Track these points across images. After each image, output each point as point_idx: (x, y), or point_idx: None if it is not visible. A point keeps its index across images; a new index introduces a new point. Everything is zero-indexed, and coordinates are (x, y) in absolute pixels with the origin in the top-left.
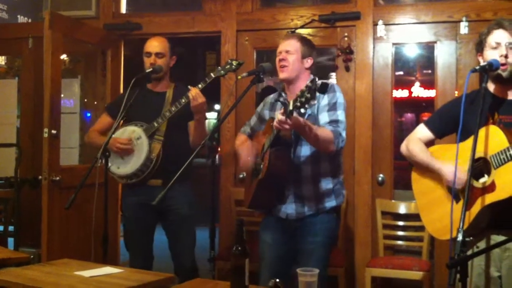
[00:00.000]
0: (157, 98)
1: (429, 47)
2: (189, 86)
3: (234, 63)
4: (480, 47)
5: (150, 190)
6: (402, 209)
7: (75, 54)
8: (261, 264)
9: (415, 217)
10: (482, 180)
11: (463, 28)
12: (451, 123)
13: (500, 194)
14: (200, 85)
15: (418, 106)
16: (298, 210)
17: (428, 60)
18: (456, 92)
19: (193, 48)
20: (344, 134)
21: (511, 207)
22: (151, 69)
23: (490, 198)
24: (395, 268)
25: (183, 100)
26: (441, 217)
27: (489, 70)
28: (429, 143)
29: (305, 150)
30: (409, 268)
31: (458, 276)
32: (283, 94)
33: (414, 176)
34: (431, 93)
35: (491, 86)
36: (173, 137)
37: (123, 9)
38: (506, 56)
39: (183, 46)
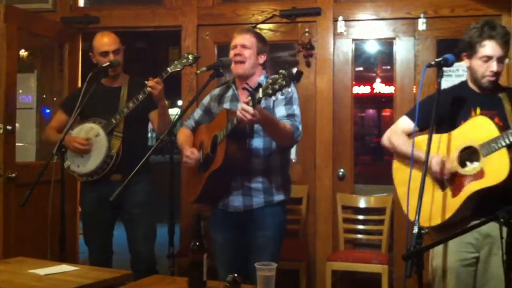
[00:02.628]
0: (112, 94)
1: (389, 44)
2: (146, 82)
3: (191, 57)
4: (469, 50)
5: (110, 185)
6: (362, 203)
7: (32, 48)
8: (217, 263)
9: (375, 211)
10: (471, 167)
11: (421, 24)
12: (434, 115)
13: (488, 181)
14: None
15: (379, 102)
16: (246, 202)
17: (388, 56)
18: (415, 88)
19: (156, 43)
20: (300, 128)
21: (496, 195)
22: (108, 63)
23: (478, 185)
24: (355, 261)
25: (141, 96)
26: (423, 204)
27: (444, 66)
28: (410, 135)
29: (258, 143)
30: (369, 261)
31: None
32: (234, 87)
33: (396, 166)
34: (391, 89)
35: (470, 84)
36: (131, 132)
37: (81, 2)
38: (496, 72)
39: (146, 41)
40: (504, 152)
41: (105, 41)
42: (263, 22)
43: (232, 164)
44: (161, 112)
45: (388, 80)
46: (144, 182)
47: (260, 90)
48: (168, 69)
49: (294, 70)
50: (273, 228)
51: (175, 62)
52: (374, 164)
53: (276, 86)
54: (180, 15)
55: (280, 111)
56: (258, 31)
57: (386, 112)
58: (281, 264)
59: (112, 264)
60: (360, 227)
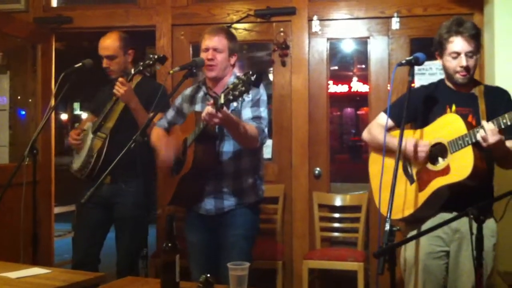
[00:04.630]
0: None
1: (364, 43)
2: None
3: (154, 57)
4: (440, 48)
5: (100, 187)
6: (338, 201)
7: (4, 49)
8: (190, 264)
9: (351, 209)
10: (438, 163)
11: (395, 23)
12: (410, 111)
13: (453, 177)
14: None
15: (357, 100)
16: (218, 205)
17: (364, 55)
18: (389, 86)
19: (133, 43)
20: (266, 130)
21: (463, 191)
22: (80, 64)
23: (443, 181)
24: (331, 259)
25: (114, 97)
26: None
27: (415, 64)
28: (388, 130)
29: (228, 146)
30: (345, 259)
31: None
32: (204, 88)
33: (371, 159)
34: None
35: (447, 81)
36: (119, 133)
37: (54, 2)
38: (466, 67)
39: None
40: (469, 149)
41: (102, 44)
42: (238, 21)
43: (201, 168)
44: (135, 114)
45: (365, 79)
46: (133, 191)
47: (222, 95)
48: (132, 70)
49: (253, 75)
50: (244, 227)
51: (140, 63)
52: (351, 162)
53: (236, 92)
54: (154, 14)
55: (247, 113)
56: (232, 30)
57: (363, 111)
58: (258, 263)
59: (97, 269)
60: (337, 225)
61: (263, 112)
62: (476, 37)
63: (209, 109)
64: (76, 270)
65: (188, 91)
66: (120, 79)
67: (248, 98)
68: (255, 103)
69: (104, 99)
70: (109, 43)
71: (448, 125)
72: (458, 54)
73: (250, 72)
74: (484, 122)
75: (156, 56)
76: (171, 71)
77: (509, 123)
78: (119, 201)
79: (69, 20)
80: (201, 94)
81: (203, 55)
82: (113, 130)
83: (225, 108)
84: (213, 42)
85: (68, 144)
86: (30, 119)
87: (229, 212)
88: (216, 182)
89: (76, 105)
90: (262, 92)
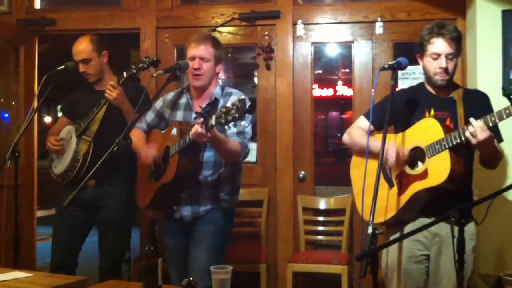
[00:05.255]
0: (96, 97)
1: (348, 47)
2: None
3: (147, 61)
4: (421, 50)
5: (85, 189)
6: (323, 204)
7: None
8: (169, 269)
9: (335, 212)
10: (417, 167)
11: (378, 28)
12: (389, 115)
13: (431, 181)
14: None
15: (342, 104)
16: (194, 211)
17: (348, 59)
18: (373, 90)
19: (117, 44)
20: (249, 145)
21: (442, 195)
22: (62, 66)
23: (421, 185)
24: (315, 262)
25: (102, 101)
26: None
27: (398, 69)
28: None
29: (209, 155)
30: (329, 262)
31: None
32: (188, 95)
33: (353, 163)
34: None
35: (427, 85)
36: (104, 136)
37: (37, 4)
38: (445, 69)
39: (107, 42)
40: (446, 154)
41: (76, 48)
42: (222, 25)
43: (182, 177)
44: (127, 117)
45: (350, 82)
46: (118, 193)
47: (214, 117)
48: (124, 73)
49: (248, 103)
50: (214, 225)
51: (132, 66)
52: (336, 165)
53: (229, 117)
54: (138, 17)
55: (231, 128)
56: (217, 34)
57: (348, 114)
58: (242, 267)
59: (75, 273)
60: (321, 228)
61: (247, 127)
62: (457, 40)
63: (198, 128)
64: (58, 274)
65: (170, 95)
66: (111, 82)
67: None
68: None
69: (85, 102)
70: (82, 48)
71: (426, 130)
72: (439, 55)
73: (245, 100)
74: (472, 119)
75: (149, 60)
76: (154, 74)
77: (497, 121)
78: (104, 203)
79: (52, 22)
80: (183, 100)
81: (189, 63)
82: (98, 134)
83: (214, 128)
84: (199, 51)
85: (48, 149)
86: (12, 121)
87: (204, 214)
88: (195, 189)
89: (60, 108)
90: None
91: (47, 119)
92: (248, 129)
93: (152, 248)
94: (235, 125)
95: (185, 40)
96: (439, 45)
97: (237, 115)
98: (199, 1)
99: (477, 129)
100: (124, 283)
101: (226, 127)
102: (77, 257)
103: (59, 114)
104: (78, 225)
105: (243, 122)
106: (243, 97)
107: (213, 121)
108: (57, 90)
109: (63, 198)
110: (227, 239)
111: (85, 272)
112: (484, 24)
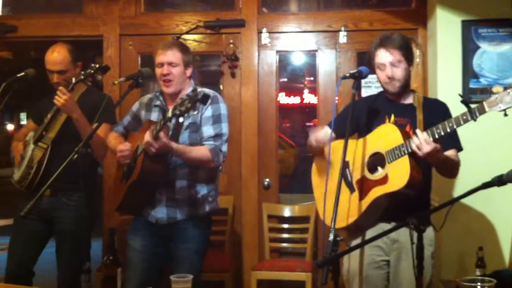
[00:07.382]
0: None
1: (312, 55)
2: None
3: (95, 66)
4: (372, 62)
5: (41, 199)
6: (287, 212)
7: None
8: (128, 272)
9: (300, 219)
10: (376, 173)
11: (342, 37)
12: (351, 123)
13: (391, 186)
14: None
15: (308, 112)
16: (170, 214)
17: (313, 67)
18: (336, 99)
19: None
20: (225, 148)
21: (401, 201)
22: (22, 73)
23: (382, 190)
24: (280, 270)
25: (54, 107)
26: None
27: (359, 77)
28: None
29: None
30: (293, 269)
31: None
32: (161, 98)
33: (314, 168)
34: None
35: (386, 93)
36: (61, 144)
37: None
38: (391, 77)
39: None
40: (405, 159)
41: (51, 59)
42: (187, 32)
43: (149, 177)
44: (77, 126)
45: (315, 91)
46: (74, 205)
47: (170, 110)
48: (73, 79)
49: (201, 93)
50: (196, 241)
51: (81, 72)
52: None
53: (183, 109)
54: (101, 24)
55: (208, 131)
56: (182, 41)
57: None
58: (206, 275)
59: (31, 283)
60: (286, 235)
61: (224, 128)
62: (401, 48)
63: (147, 136)
64: (14, 285)
65: (146, 98)
66: (61, 87)
67: (208, 113)
68: (216, 119)
69: (46, 108)
70: (60, 59)
71: (386, 135)
72: (384, 65)
73: (198, 90)
74: (418, 131)
75: (97, 65)
76: (115, 81)
77: (442, 133)
78: (59, 215)
79: (13, 29)
80: (158, 103)
81: (158, 71)
82: (55, 141)
83: (164, 139)
84: (167, 56)
85: (13, 157)
86: None
87: (181, 222)
88: (169, 191)
89: (23, 115)
90: (222, 106)
91: (10, 127)
92: (225, 130)
93: (111, 258)
94: (189, 115)
95: (150, 48)
96: (382, 56)
97: (189, 105)
98: (164, 9)
99: (422, 141)
100: None
101: (204, 128)
102: (33, 267)
103: (23, 122)
104: (34, 235)
105: (224, 125)
106: (213, 94)
107: (169, 113)
108: (19, 98)
109: (20, 207)
110: (207, 251)
111: (45, 282)
112: (445, 34)
